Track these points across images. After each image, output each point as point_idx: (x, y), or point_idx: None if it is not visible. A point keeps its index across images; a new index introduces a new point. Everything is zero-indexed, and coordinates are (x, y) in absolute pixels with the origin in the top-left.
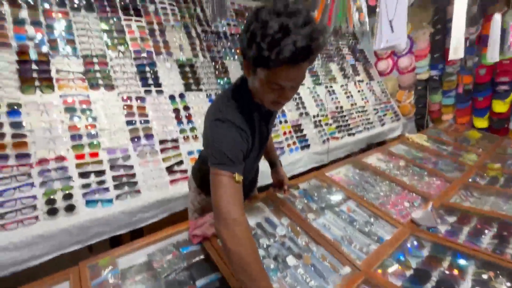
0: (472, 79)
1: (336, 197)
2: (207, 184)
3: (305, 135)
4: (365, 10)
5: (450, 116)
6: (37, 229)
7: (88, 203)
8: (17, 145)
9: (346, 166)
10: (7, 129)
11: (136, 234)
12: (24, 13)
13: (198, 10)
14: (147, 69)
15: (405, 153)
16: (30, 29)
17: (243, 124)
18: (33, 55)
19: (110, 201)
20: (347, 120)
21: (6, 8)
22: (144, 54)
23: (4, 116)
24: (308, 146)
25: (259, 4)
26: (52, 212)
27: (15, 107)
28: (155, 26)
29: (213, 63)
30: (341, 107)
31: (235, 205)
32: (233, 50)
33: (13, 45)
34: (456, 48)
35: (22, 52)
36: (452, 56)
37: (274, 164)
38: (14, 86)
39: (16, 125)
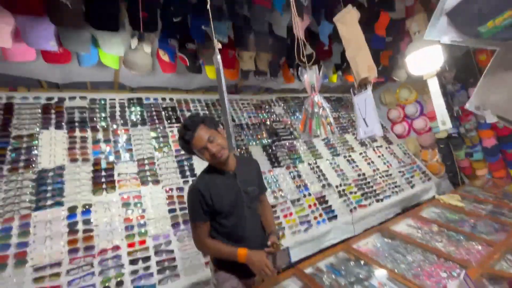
0: (493, 133)
1: (364, 271)
2: (221, 260)
3: (330, 206)
4: (333, 125)
5: (485, 171)
6: None
7: None
8: (86, 239)
9: (374, 236)
10: (80, 226)
11: None
12: (100, 135)
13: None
14: (185, 163)
15: (437, 217)
16: (103, 146)
17: (202, 188)
18: (103, 165)
19: (153, 286)
20: (372, 186)
21: (89, 133)
22: (183, 152)
23: (79, 215)
24: (335, 216)
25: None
26: None
27: (87, 207)
28: None
29: (238, 150)
30: (363, 174)
31: (199, 237)
32: (254, 136)
33: (90, 159)
34: (443, 121)
35: (96, 163)
36: (442, 127)
37: (269, 233)
38: (88, 190)
39: (87, 221)
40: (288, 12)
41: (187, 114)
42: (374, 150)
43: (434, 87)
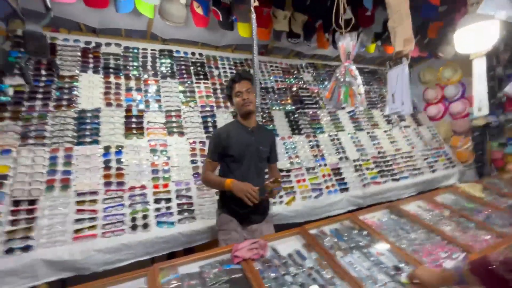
0: None
1: (366, 240)
2: (224, 205)
3: (344, 178)
4: (363, 96)
5: None
6: (123, 239)
7: (159, 223)
8: (118, 175)
9: (383, 211)
10: (114, 164)
11: (188, 252)
12: (132, 83)
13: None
14: (209, 119)
15: (452, 203)
16: (134, 94)
17: (222, 132)
18: (134, 112)
19: (172, 223)
20: (391, 165)
21: (123, 81)
22: (208, 108)
23: (113, 155)
24: (347, 189)
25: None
26: (134, 227)
27: (119, 148)
28: (218, 86)
29: (261, 113)
30: (384, 152)
31: (204, 170)
32: (278, 101)
33: (123, 105)
34: (480, 107)
35: (128, 110)
36: (476, 113)
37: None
38: (120, 134)
39: (119, 161)
40: None
41: (215, 71)
42: (401, 129)
43: (479, 68)
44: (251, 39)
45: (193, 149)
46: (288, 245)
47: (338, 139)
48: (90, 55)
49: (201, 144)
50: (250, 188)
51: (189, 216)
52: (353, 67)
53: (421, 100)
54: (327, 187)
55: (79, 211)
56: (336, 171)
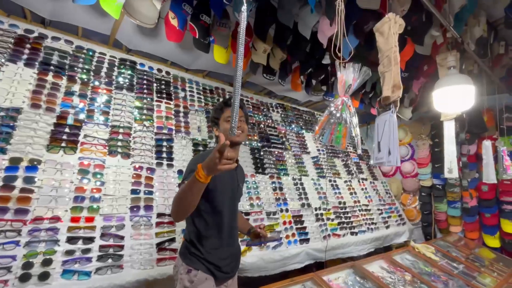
0: (476, 194)
1: None
2: (197, 258)
3: (305, 228)
4: (359, 138)
5: (459, 229)
6: None
7: (65, 273)
8: (20, 200)
9: (346, 271)
10: (19, 183)
11: None
12: (76, 87)
13: (221, 99)
14: (165, 143)
15: (411, 265)
16: (76, 100)
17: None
18: (70, 120)
19: (88, 274)
20: (349, 217)
21: (64, 82)
22: (165, 131)
23: (21, 170)
24: (307, 240)
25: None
26: (24, 278)
27: (35, 163)
28: (181, 109)
29: None
30: (344, 203)
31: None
32: (249, 137)
33: (56, 110)
34: (450, 169)
35: (61, 117)
36: (447, 175)
37: (250, 229)
38: (41, 144)
39: (29, 180)
40: (317, 14)
41: (181, 93)
42: (359, 181)
43: (449, 130)
44: (225, 67)
45: (138, 175)
46: None
47: (301, 183)
48: (27, 45)
49: (148, 172)
50: (217, 152)
51: (114, 264)
52: (351, 103)
53: None
54: (287, 237)
55: None
56: (298, 219)
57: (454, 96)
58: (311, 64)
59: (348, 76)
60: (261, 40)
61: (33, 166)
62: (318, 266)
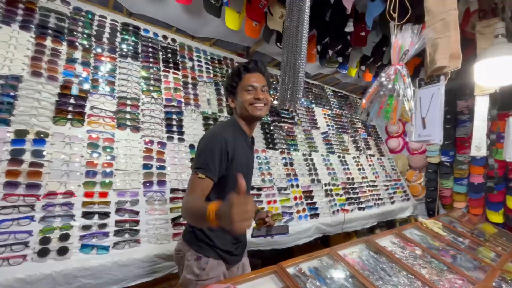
0: (483, 171)
1: (351, 285)
2: (206, 244)
3: (315, 203)
4: (412, 113)
5: (463, 205)
6: (20, 271)
7: (83, 247)
8: (31, 174)
9: (360, 246)
10: (27, 157)
11: None
12: (78, 54)
13: (229, 70)
14: (174, 117)
15: (420, 240)
16: (78, 68)
17: (229, 136)
18: (74, 91)
19: (106, 248)
20: (357, 193)
21: (64, 48)
22: (174, 103)
23: (28, 144)
24: (317, 215)
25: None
26: (43, 253)
27: (42, 136)
28: (189, 80)
29: None
30: (353, 179)
31: (195, 191)
32: None
33: (59, 79)
34: (479, 147)
35: (65, 86)
36: (474, 153)
37: (256, 211)
38: (47, 116)
39: (37, 153)
40: None
41: (189, 63)
42: (367, 157)
43: (483, 106)
44: (234, 35)
45: (149, 150)
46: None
47: (311, 159)
48: (21, 5)
49: (159, 145)
50: (247, 208)
51: (131, 239)
52: (406, 72)
53: (384, 133)
54: (298, 212)
55: None
56: (308, 194)
57: (501, 68)
58: (330, 33)
59: (405, 40)
60: (279, 3)
61: (40, 139)
62: (322, 239)
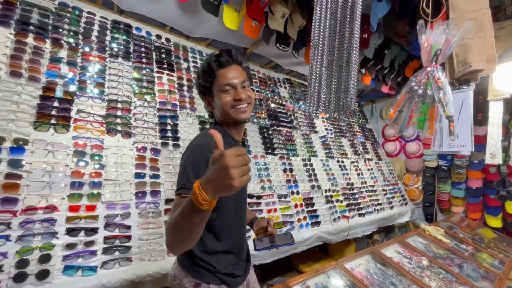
0: (481, 175)
1: None
2: (205, 269)
3: (316, 210)
4: (452, 121)
5: (461, 209)
6: None
7: (67, 269)
8: (7, 187)
9: (366, 257)
10: (3, 167)
11: None
12: (63, 53)
13: None
14: (169, 121)
15: (424, 249)
16: (64, 68)
17: (211, 147)
18: (59, 93)
19: (93, 269)
20: (357, 199)
21: (48, 46)
22: (169, 106)
23: (5, 152)
24: (318, 223)
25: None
26: (20, 278)
27: (21, 143)
28: (185, 82)
29: None
30: (352, 184)
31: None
32: (253, 114)
33: (41, 80)
34: (494, 154)
35: (48, 88)
36: (489, 161)
37: (253, 220)
38: (27, 121)
39: (15, 163)
40: None
41: (184, 64)
42: (365, 162)
43: (496, 112)
44: (231, 35)
45: (141, 157)
46: None
47: (311, 164)
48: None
49: (152, 152)
50: (242, 151)
51: (122, 257)
52: (442, 74)
53: (380, 136)
54: (299, 220)
55: None
56: (308, 202)
57: None
58: None
59: (437, 38)
60: (281, 2)
61: (19, 146)
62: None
